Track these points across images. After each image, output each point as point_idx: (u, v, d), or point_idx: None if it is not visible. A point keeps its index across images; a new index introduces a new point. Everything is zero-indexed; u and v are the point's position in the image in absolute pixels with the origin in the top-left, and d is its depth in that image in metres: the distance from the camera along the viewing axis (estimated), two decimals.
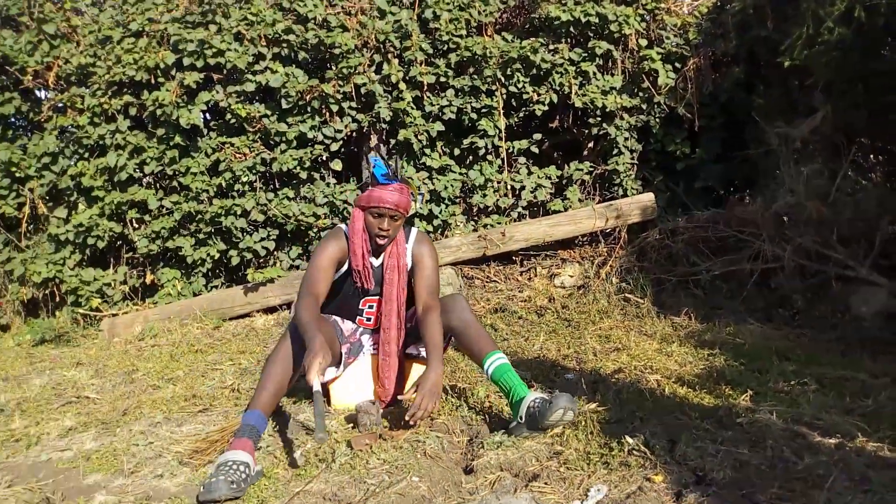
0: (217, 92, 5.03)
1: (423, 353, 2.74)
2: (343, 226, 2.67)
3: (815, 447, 1.98)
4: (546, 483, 1.92)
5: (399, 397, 2.55)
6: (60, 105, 5.24)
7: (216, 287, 5.23)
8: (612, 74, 5.38)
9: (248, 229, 5.08)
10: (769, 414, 2.25)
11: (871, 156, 4.52)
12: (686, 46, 5.31)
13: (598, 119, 5.34)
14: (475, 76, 5.19)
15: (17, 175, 5.22)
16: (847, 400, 2.44)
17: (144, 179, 5.25)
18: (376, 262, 2.65)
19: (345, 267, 2.64)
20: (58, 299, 5.40)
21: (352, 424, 2.52)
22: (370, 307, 2.71)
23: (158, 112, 4.93)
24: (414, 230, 2.71)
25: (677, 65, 5.31)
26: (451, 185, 5.17)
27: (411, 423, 2.27)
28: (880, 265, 3.78)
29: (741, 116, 5.10)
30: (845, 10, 3.86)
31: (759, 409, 2.32)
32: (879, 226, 3.84)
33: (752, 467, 1.88)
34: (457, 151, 5.33)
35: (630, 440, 2.08)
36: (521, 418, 2.26)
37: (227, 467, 2.06)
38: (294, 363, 2.40)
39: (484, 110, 5.22)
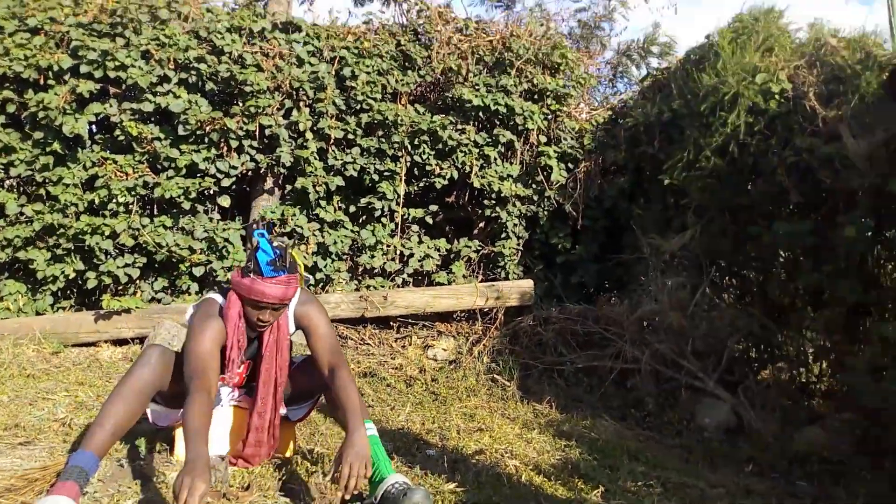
0: (111, 106, 4.76)
1: (287, 413, 2.62)
2: (216, 297, 2.38)
3: None
4: None
5: (317, 482, 2.36)
6: None
7: (63, 309, 4.75)
8: (511, 163, 5.64)
9: (113, 253, 4.72)
10: None
11: (728, 278, 4.95)
12: (580, 150, 5.69)
13: (493, 202, 5.55)
14: (383, 139, 5.27)
15: None
16: None
17: (7, 182, 4.81)
18: (252, 334, 2.41)
19: None
20: None
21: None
22: (246, 376, 2.54)
23: (41, 115, 4.58)
24: (298, 290, 2.47)
25: (570, 165, 5.67)
26: (341, 241, 5.13)
27: (346, 497, 2.03)
28: (726, 380, 4.10)
29: (621, 222, 5.47)
30: (722, 143, 4.31)
31: None
32: (728, 343, 4.19)
33: None
34: (352, 209, 5.33)
35: None
36: (374, 498, 2.17)
37: None
38: (142, 408, 2.20)
39: (386, 173, 5.29)
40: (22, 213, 4.65)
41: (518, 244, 5.61)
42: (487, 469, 2.73)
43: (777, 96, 4.21)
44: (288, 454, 2.62)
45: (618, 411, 4.03)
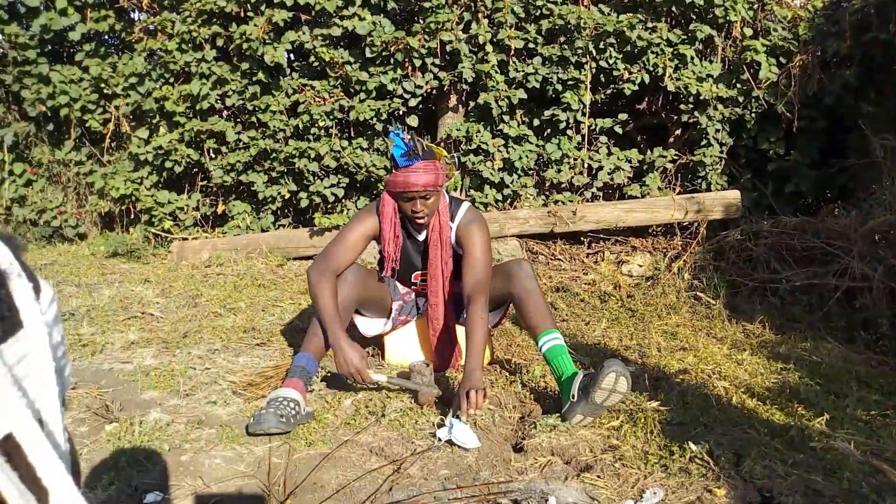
0: (304, 33, 5.00)
1: None
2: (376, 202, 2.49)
3: None
4: (599, 476, 1.83)
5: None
6: (152, 28, 5.31)
7: (283, 226, 5.31)
8: (711, 61, 5.08)
9: (320, 174, 5.10)
10: (846, 443, 2.09)
11: None
12: (794, 41, 4.96)
13: (690, 106, 5.07)
14: (565, 46, 4.98)
15: (105, 91, 5.34)
16: None
17: (225, 111, 5.30)
18: (420, 237, 2.50)
19: None
20: (132, 216, 5.57)
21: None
22: (422, 280, 2.62)
23: (245, 46, 4.93)
24: (464, 207, 2.48)
25: (782, 60, 4.98)
26: (527, 156, 5.03)
27: (464, 420, 2.11)
28: None
29: (846, 122, 4.76)
30: None
31: (835, 436, 2.16)
32: None
33: (825, 498, 1.74)
34: (536, 122, 5.17)
35: (693, 447, 1.97)
36: (573, 397, 2.16)
37: (278, 403, 2.05)
38: (347, 319, 2.37)
39: (570, 83, 5.02)
40: (240, 140, 5.13)
41: (721, 151, 5.11)
42: (693, 389, 2.58)
43: None
44: (484, 362, 2.68)
45: (843, 333, 3.60)
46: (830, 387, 2.74)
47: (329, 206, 5.21)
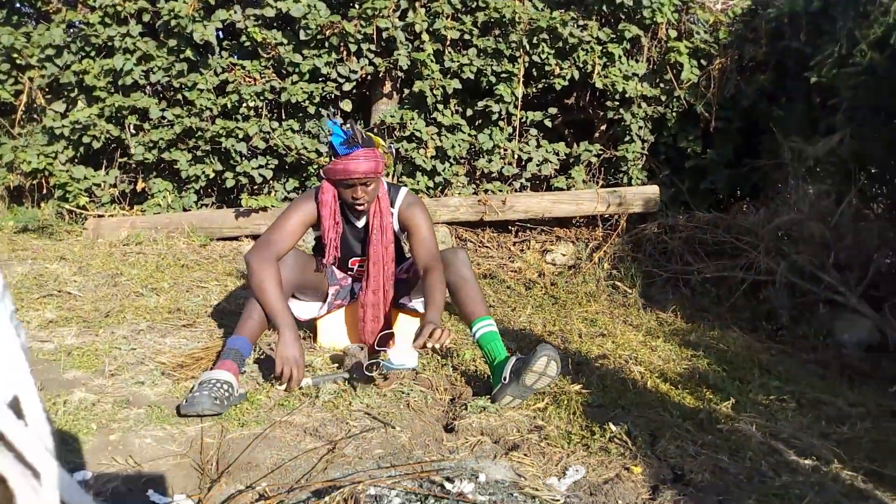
0: (235, 12, 4.86)
1: (412, 305, 2.73)
2: (315, 189, 2.51)
3: (793, 466, 2.01)
4: (525, 455, 1.92)
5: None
6: None
7: (206, 206, 5.16)
8: (637, 61, 5.30)
9: (247, 155, 4.99)
10: (749, 425, 2.28)
11: (879, 186, 4.53)
12: (715, 45, 5.24)
13: (616, 103, 5.28)
14: (500, 39, 5.08)
15: (18, 62, 5.03)
16: (823, 424, 2.47)
17: (148, 87, 5.09)
18: (360, 224, 2.53)
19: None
20: (44, 192, 5.29)
21: (337, 365, 2.51)
22: (360, 266, 2.65)
23: (173, 23, 4.75)
24: (402, 191, 2.54)
25: (703, 62, 5.25)
26: (459, 145, 5.10)
27: (421, 347, 2.17)
28: (869, 296, 3.82)
29: (759, 124, 5.08)
30: (882, 35, 3.83)
31: (739, 419, 2.35)
32: (875, 257, 3.87)
33: (730, 475, 1.90)
34: (469, 112, 5.25)
35: (613, 427, 2.10)
36: (504, 379, 2.25)
37: (211, 384, 2.04)
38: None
39: (504, 75, 5.13)
40: (163, 118, 4.95)
41: (643, 148, 5.35)
42: (611, 374, 2.73)
43: None
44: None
45: (748, 324, 3.87)
46: (735, 373, 2.96)
47: (256, 187, 5.12)
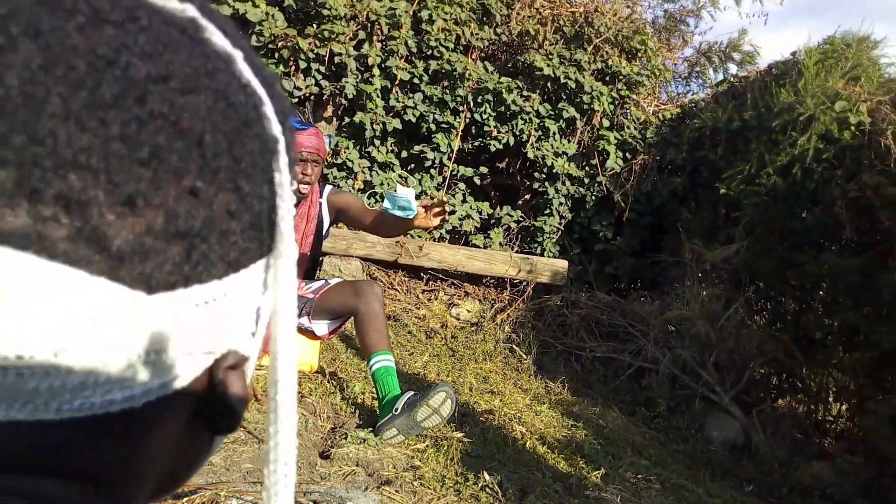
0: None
1: (312, 327, 2.67)
2: None
3: None
4: (397, 491, 1.90)
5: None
6: None
7: None
8: (569, 140, 5.56)
9: None
10: (615, 496, 2.35)
11: (764, 300, 4.88)
12: (641, 142, 5.59)
13: (543, 176, 5.50)
14: (447, 90, 5.22)
15: None
16: None
17: None
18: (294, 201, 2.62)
19: None
20: None
21: None
22: None
23: None
24: (327, 185, 2.74)
25: (628, 155, 5.58)
26: (388, 184, 5.13)
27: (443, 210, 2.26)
28: (741, 399, 4.07)
29: (667, 223, 5.39)
30: (787, 163, 4.22)
31: (606, 489, 2.41)
32: (751, 364, 4.15)
33: None
34: (404, 154, 5.31)
35: (487, 477, 2.11)
36: (395, 410, 2.23)
37: None
38: None
39: (444, 125, 5.25)
40: None
41: (560, 223, 5.57)
42: (495, 429, 2.76)
43: (853, 127, 4.08)
44: (307, 369, 2.67)
45: (628, 406, 4.02)
46: (609, 448, 3.05)
47: None
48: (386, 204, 2.24)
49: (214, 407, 0.32)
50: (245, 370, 0.33)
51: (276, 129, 0.33)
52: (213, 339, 0.30)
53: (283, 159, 0.33)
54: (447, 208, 2.22)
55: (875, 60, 4.52)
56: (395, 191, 2.21)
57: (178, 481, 0.35)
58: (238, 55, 0.33)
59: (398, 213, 2.17)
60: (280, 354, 0.33)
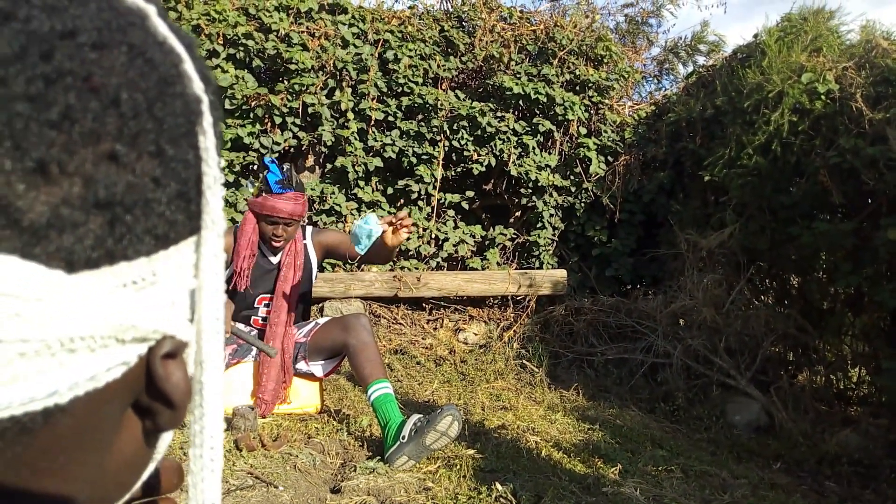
0: None
1: (309, 368, 2.70)
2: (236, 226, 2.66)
3: None
4: None
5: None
6: None
7: None
8: (550, 153, 5.62)
9: None
10: (633, 489, 2.32)
11: (767, 278, 4.87)
12: (621, 143, 5.65)
13: (530, 191, 5.55)
14: (423, 123, 5.31)
15: None
16: (707, 492, 2.55)
17: None
18: (274, 260, 2.64)
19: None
20: None
21: (225, 427, 2.42)
22: (266, 305, 2.67)
23: None
24: (309, 227, 2.77)
25: (610, 158, 5.63)
26: None
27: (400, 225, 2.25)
28: (758, 380, 4.03)
29: (658, 218, 5.42)
30: (765, 141, 4.25)
31: (625, 484, 2.39)
32: (763, 344, 4.12)
33: None
34: (390, 190, 5.38)
35: (500, 487, 2.10)
36: (403, 437, 2.24)
37: None
38: None
39: (424, 157, 5.33)
40: None
41: (553, 234, 5.60)
42: (508, 442, 2.75)
43: (823, 97, 4.12)
44: (312, 410, 2.69)
45: (646, 404, 3.99)
46: (628, 445, 3.03)
47: None
48: (360, 244, 2.26)
49: (153, 400, 0.29)
50: (185, 359, 0.31)
51: (198, 87, 0.30)
52: (145, 325, 0.27)
53: (207, 120, 0.31)
54: (407, 221, 2.24)
55: (834, 29, 4.58)
56: (366, 220, 2.25)
57: (122, 489, 0.32)
58: (151, 9, 0.29)
59: (368, 241, 2.20)
60: (205, 332, 0.31)
